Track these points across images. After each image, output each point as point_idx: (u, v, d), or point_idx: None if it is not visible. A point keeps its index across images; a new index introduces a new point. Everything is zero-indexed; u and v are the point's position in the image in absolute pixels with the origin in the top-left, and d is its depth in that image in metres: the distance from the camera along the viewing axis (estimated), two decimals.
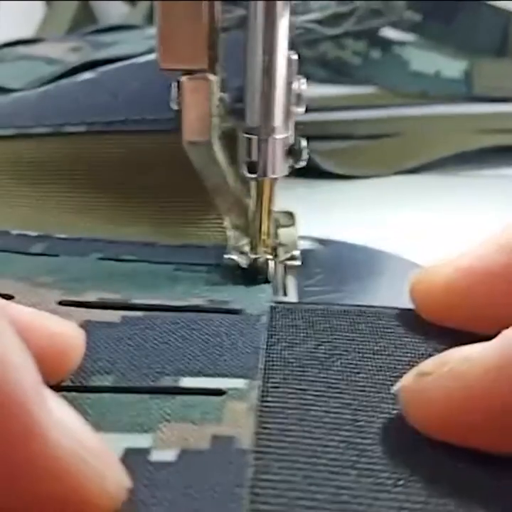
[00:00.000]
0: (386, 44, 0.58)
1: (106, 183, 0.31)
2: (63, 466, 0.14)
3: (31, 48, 0.48)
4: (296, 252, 0.26)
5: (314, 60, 0.57)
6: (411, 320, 0.23)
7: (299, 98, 0.24)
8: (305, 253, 0.27)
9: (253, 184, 0.24)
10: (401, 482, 0.16)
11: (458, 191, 0.39)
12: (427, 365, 0.17)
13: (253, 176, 0.24)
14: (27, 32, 0.62)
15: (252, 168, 0.24)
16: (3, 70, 0.43)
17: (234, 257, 0.25)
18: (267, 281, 0.25)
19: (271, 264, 0.25)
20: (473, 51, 0.58)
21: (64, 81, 0.37)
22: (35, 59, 0.44)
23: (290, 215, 0.28)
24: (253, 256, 0.25)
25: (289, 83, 0.23)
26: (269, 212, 0.25)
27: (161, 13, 0.22)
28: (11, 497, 0.13)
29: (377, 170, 0.42)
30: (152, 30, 0.22)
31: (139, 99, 0.31)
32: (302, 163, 0.24)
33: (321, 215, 0.33)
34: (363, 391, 0.19)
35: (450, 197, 0.38)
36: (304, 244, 0.28)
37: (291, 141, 0.24)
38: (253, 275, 0.25)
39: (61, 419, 0.14)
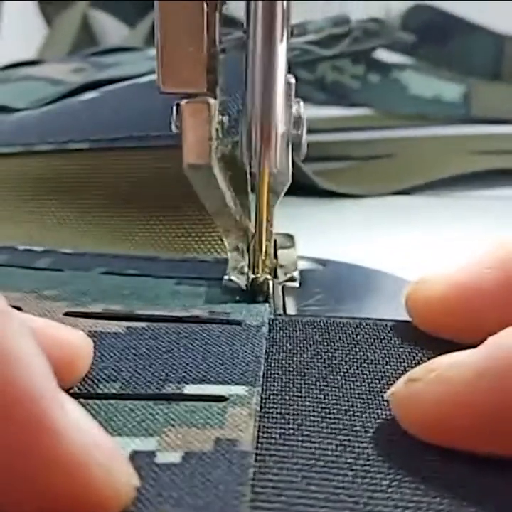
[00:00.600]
0: (384, 68, 0.58)
1: (109, 199, 0.32)
2: (75, 463, 0.14)
3: (34, 69, 0.48)
4: (296, 274, 0.26)
5: (313, 83, 0.57)
6: (407, 331, 0.23)
7: (298, 121, 0.24)
8: (303, 273, 0.27)
9: (253, 206, 0.25)
10: (395, 482, 0.17)
11: (452, 212, 0.39)
12: (416, 371, 0.18)
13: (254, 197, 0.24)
14: (28, 53, 0.63)
15: (254, 188, 0.24)
16: (7, 90, 0.44)
17: (233, 278, 0.25)
18: (266, 301, 0.25)
19: (270, 284, 0.25)
20: (470, 74, 0.58)
21: (67, 100, 0.38)
22: (39, 80, 0.44)
23: (289, 237, 0.28)
24: (253, 276, 0.25)
25: (287, 106, 0.24)
26: (269, 232, 0.25)
27: (161, 37, 0.22)
28: (23, 492, 0.14)
29: (374, 189, 0.42)
30: (153, 52, 0.23)
31: (142, 117, 0.32)
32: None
33: (317, 234, 0.34)
34: (360, 398, 0.20)
35: (444, 217, 0.38)
36: (303, 265, 0.28)
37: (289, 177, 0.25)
38: (253, 296, 0.25)
39: (74, 419, 0.15)
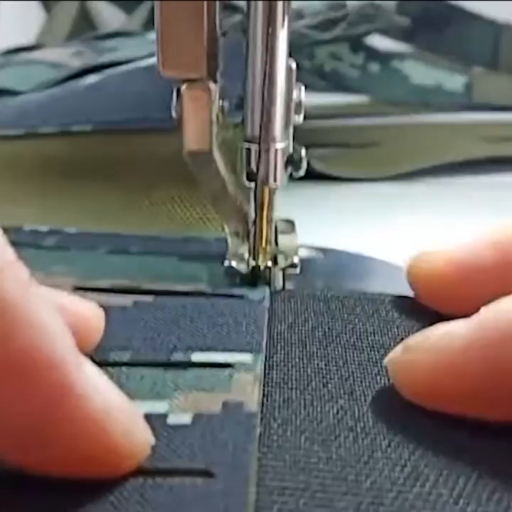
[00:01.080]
0: (384, 58, 0.58)
1: (111, 180, 0.32)
2: (97, 424, 0.15)
3: (34, 54, 0.49)
4: (296, 260, 0.26)
5: (311, 71, 0.57)
6: (406, 305, 0.24)
7: (299, 106, 0.24)
8: (303, 262, 0.27)
9: (253, 192, 0.25)
10: (393, 443, 0.18)
11: (452, 199, 0.39)
12: (412, 339, 0.19)
13: (253, 184, 0.24)
14: (26, 39, 0.62)
15: (251, 177, 0.24)
16: (9, 73, 0.44)
17: (234, 264, 0.25)
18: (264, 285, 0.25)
19: (271, 271, 0.25)
20: (467, 63, 0.58)
21: (70, 83, 0.38)
22: (39, 63, 0.45)
23: (290, 222, 0.28)
24: (253, 263, 0.25)
25: (288, 91, 0.23)
26: (269, 219, 0.25)
27: (160, 21, 0.22)
28: (47, 452, 0.15)
29: (372, 173, 0.42)
30: (153, 35, 0.22)
31: (144, 100, 0.33)
32: (301, 173, 0.25)
33: (317, 221, 0.34)
34: (360, 366, 0.21)
35: (444, 205, 0.38)
36: (303, 253, 0.28)
37: (290, 150, 0.25)
38: (253, 282, 0.25)
39: (95, 382, 0.16)
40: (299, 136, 0.25)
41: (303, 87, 0.24)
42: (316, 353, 0.21)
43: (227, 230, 0.26)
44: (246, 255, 0.26)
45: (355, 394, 0.20)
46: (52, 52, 0.48)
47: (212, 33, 0.23)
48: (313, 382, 0.20)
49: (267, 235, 0.25)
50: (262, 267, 0.25)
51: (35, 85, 0.41)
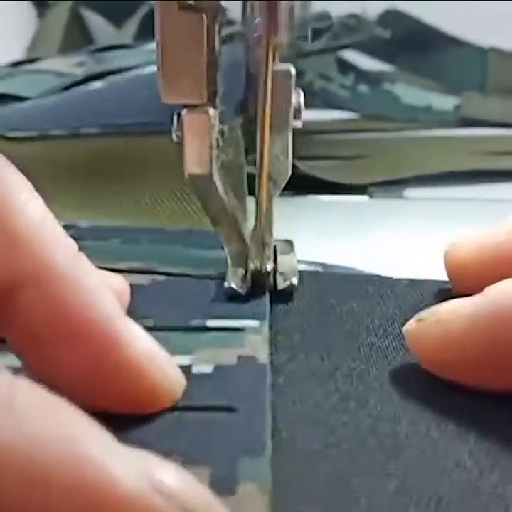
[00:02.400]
0: (374, 80, 0.59)
1: (118, 179, 0.35)
2: (141, 367, 0.18)
3: (39, 64, 0.51)
4: (295, 281, 0.26)
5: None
6: (426, 287, 0.27)
7: (298, 111, 0.24)
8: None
9: (254, 203, 0.25)
10: (402, 398, 0.20)
11: (441, 215, 0.39)
12: (424, 312, 0.21)
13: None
14: (20, 44, 0.63)
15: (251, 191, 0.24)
16: (16, 81, 0.47)
17: (233, 285, 0.26)
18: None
19: (271, 275, 0.26)
20: (456, 87, 0.59)
21: (76, 89, 0.41)
22: (45, 72, 0.48)
23: (289, 243, 0.29)
24: (253, 267, 0.26)
25: (287, 96, 0.24)
26: (269, 222, 0.26)
27: (161, 47, 0.23)
28: (100, 391, 0.17)
29: (362, 179, 0.43)
30: (151, 46, 0.23)
31: (148, 105, 0.34)
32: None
33: (311, 238, 0.34)
34: (368, 335, 0.24)
35: (432, 220, 0.39)
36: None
37: (289, 169, 0.25)
38: (253, 286, 0.26)
39: (137, 333, 0.19)
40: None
41: (302, 93, 0.24)
42: (323, 323, 0.24)
43: (226, 251, 0.27)
44: (248, 276, 0.26)
45: (363, 350, 0.23)
46: (56, 62, 0.51)
47: (212, 57, 0.23)
48: (319, 346, 0.23)
49: (266, 238, 0.26)
50: (262, 273, 0.26)
51: (42, 91, 0.43)
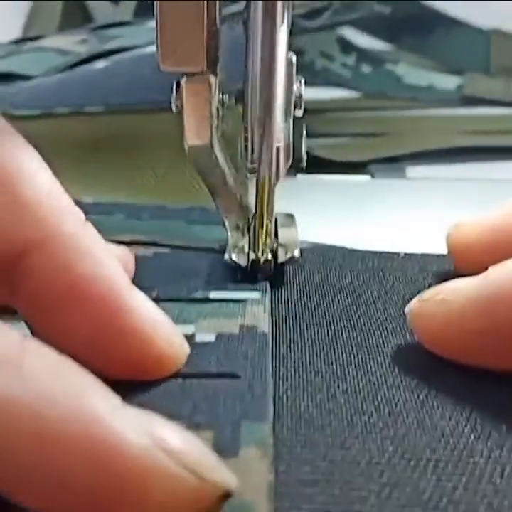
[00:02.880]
0: (376, 60, 0.59)
1: (122, 155, 0.36)
2: (145, 333, 0.18)
3: (40, 42, 0.51)
4: (296, 253, 0.26)
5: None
6: (425, 261, 0.27)
7: (299, 99, 0.24)
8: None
9: (253, 184, 0.25)
10: (401, 367, 0.21)
11: (444, 195, 0.39)
12: (426, 293, 0.21)
13: (253, 177, 0.24)
14: (16, 22, 0.63)
15: (252, 171, 0.24)
16: (20, 59, 0.47)
17: (234, 257, 0.25)
18: (266, 279, 0.25)
19: (271, 265, 0.25)
20: (459, 68, 0.59)
21: (80, 68, 0.42)
22: (48, 50, 0.48)
23: (290, 216, 0.28)
24: (253, 257, 0.25)
25: (289, 85, 0.23)
26: (270, 211, 0.25)
27: (160, 14, 0.22)
28: (104, 358, 0.17)
29: (362, 156, 0.43)
30: (152, 24, 0.23)
31: (152, 83, 0.35)
32: (302, 165, 0.25)
33: (311, 218, 0.33)
34: (367, 307, 0.24)
35: (434, 200, 0.38)
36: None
37: (291, 145, 0.25)
38: (253, 276, 0.25)
39: (143, 301, 0.19)
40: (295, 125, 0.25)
41: (303, 81, 0.24)
42: (325, 295, 0.25)
43: (227, 223, 0.26)
44: (246, 248, 0.26)
45: (366, 326, 0.23)
46: (59, 40, 0.51)
47: (212, 25, 0.23)
48: (319, 317, 0.23)
49: (267, 228, 0.25)
50: (261, 261, 0.25)
51: (47, 70, 0.44)
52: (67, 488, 0.14)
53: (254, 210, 0.25)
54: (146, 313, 0.19)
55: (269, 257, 0.25)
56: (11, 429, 0.14)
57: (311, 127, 0.44)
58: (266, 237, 0.25)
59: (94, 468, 0.14)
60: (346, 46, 0.59)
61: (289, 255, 0.25)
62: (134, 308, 0.19)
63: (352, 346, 0.22)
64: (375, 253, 0.28)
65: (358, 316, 0.24)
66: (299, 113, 0.24)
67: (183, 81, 0.23)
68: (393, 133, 0.48)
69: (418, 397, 0.19)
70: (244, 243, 0.26)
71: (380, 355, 0.21)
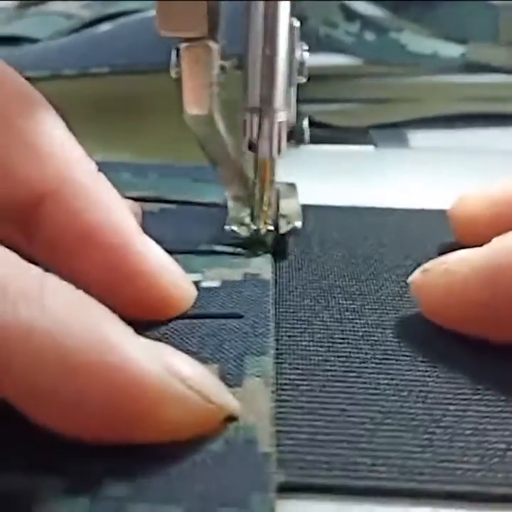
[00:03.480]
0: (381, 28, 0.58)
1: (127, 115, 0.36)
2: (152, 275, 0.20)
3: (46, 6, 0.53)
4: (298, 224, 0.25)
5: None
6: (422, 216, 0.28)
7: (301, 66, 0.23)
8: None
9: (254, 157, 0.24)
10: (395, 310, 0.22)
11: (447, 165, 0.39)
12: (429, 263, 0.21)
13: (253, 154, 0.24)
14: None
15: (252, 147, 0.24)
16: (25, 23, 0.49)
17: (235, 228, 0.25)
18: (267, 252, 0.25)
19: (272, 236, 0.25)
20: (466, 39, 0.58)
21: (85, 31, 0.44)
22: (53, 14, 0.50)
23: (292, 186, 0.28)
24: (254, 228, 0.25)
25: (291, 51, 0.23)
26: (271, 183, 0.25)
27: None
28: (114, 301, 0.17)
29: (363, 122, 0.43)
30: None
31: (156, 44, 0.35)
32: (305, 142, 0.24)
33: (313, 186, 0.33)
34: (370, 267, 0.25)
35: (437, 170, 0.38)
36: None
37: (293, 120, 0.24)
38: (254, 247, 0.25)
39: (150, 245, 0.20)
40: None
41: (306, 47, 0.23)
42: (315, 248, 0.26)
43: (227, 194, 0.26)
44: (247, 219, 0.25)
45: (356, 276, 0.24)
46: (63, 4, 0.53)
47: None
48: (318, 268, 0.25)
49: (268, 198, 0.25)
50: (262, 231, 0.25)
51: (52, 33, 0.45)
52: (86, 410, 0.15)
53: (255, 180, 0.25)
54: (155, 257, 0.20)
55: (271, 227, 0.25)
56: (33, 357, 0.15)
57: (312, 93, 0.44)
58: (267, 208, 0.25)
59: (110, 392, 0.15)
60: (350, 14, 0.58)
61: (290, 226, 0.25)
62: (144, 253, 0.20)
63: (349, 294, 0.23)
64: (374, 209, 0.29)
65: (356, 267, 0.25)
66: (302, 80, 0.24)
67: (182, 47, 0.23)
68: (395, 99, 0.47)
69: (412, 337, 0.21)
70: (246, 214, 0.25)
71: (375, 302, 0.23)
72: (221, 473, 0.15)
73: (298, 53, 0.23)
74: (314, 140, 0.40)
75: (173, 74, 0.23)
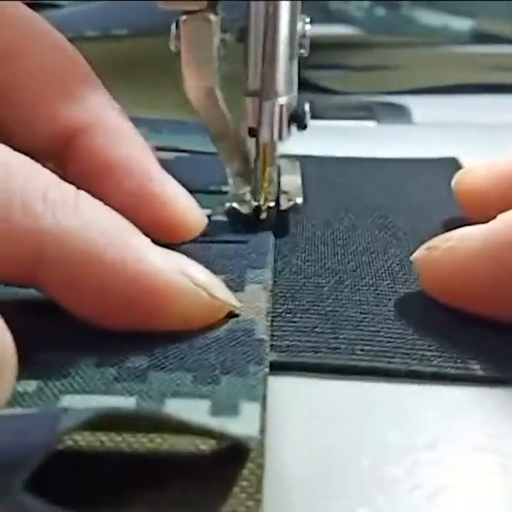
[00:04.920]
0: (393, 5, 0.58)
1: (144, 77, 0.39)
2: (170, 205, 0.22)
3: None
4: (299, 201, 0.25)
5: (314, 8, 0.56)
6: (417, 165, 0.31)
7: (303, 39, 0.23)
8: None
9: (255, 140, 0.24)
10: (386, 238, 0.24)
11: (450, 140, 0.38)
12: (434, 240, 0.21)
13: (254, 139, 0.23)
14: None
15: (253, 132, 0.23)
16: None
17: (235, 205, 0.25)
18: (269, 229, 0.25)
19: (273, 212, 0.24)
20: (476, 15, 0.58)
21: None
22: None
23: (293, 162, 0.28)
24: (255, 204, 0.25)
25: (292, 24, 0.22)
26: (272, 158, 0.24)
27: None
28: (136, 224, 0.19)
29: (366, 88, 0.43)
30: None
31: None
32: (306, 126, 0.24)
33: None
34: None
35: (440, 145, 0.37)
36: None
37: (295, 103, 0.24)
38: (256, 223, 0.25)
39: (168, 178, 0.23)
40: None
41: (308, 19, 0.23)
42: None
43: (228, 170, 0.25)
44: (247, 197, 0.25)
45: (350, 217, 0.26)
46: None
47: None
48: (316, 210, 0.26)
49: (269, 175, 0.24)
50: (264, 208, 0.25)
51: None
52: (109, 300, 0.18)
53: (256, 158, 0.24)
54: (172, 187, 0.23)
55: (272, 204, 0.25)
56: (66, 253, 0.17)
57: (318, 60, 0.44)
58: (268, 184, 0.24)
59: (130, 285, 0.18)
60: None
61: (291, 203, 0.25)
62: (163, 182, 0.22)
63: (344, 225, 0.25)
64: (370, 159, 0.32)
65: (349, 205, 0.27)
66: (305, 53, 0.23)
67: (182, 20, 0.22)
68: (402, 67, 0.48)
69: (403, 269, 0.23)
70: (247, 191, 0.25)
71: (365, 232, 0.25)
72: (224, 351, 0.18)
73: (300, 25, 0.23)
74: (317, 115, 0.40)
75: (172, 47, 0.23)
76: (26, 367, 0.15)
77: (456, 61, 0.50)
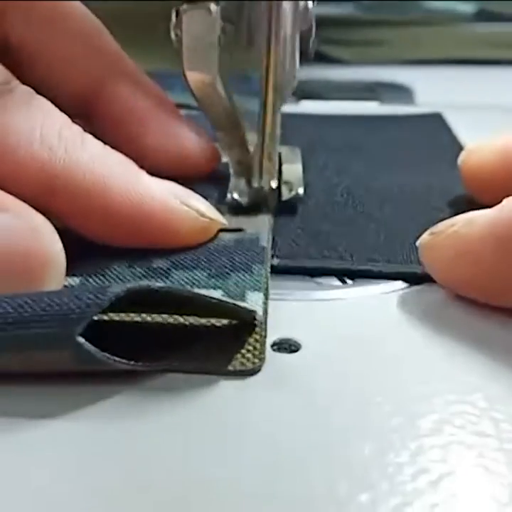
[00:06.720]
0: None
1: (143, 32, 0.39)
2: (191, 140, 0.25)
3: None
4: (301, 191, 0.25)
5: None
6: (415, 121, 0.36)
7: (306, 14, 0.23)
8: None
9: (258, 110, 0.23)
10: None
11: (454, 121, 0.38)
12: (438, 225, 0.20)
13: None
14: None
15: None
16: None
17: (235, 196, 0.24)
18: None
19: (274, 195, 0.24)
20: None
21: None
22: None
23: (295, 150, 0.27)
24: (257, 185, 0.24)
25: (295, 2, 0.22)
26: (274, 137, 0.24)
27: None
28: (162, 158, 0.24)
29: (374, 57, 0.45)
30: None
31: None
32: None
33: None
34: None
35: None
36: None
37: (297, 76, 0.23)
38: (256, 205, 0.24)
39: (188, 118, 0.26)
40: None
41: None
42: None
43: (229, 160, 0.25)
44: (247, 187, 0.25)
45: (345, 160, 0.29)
46: None
47: None
48: (314, 159, 0.29)
49: (271, 152, 0.24)
50: (266, 189, 0.24)
51: None
52: (115, 221, 0.20)
53: (258, 138, 0.24)
54: (193, 127, 0.26)
55: (274, 185, 0.24)
56: (77, 180, 0.20)
57: (324, 34, 0.44)
58: (270, 163, 0.24)
59: (132, 208, 0.20)
60: None
61: (293, 193, 0.25)
62: (183, 125, 0.25)
63: (339, 168, 0.29)
64: (366, 117, 0.35)
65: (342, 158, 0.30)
66: (305, 28, 0.23)
67: (182, 8, 0.22)
68: (405, 40, 0.48)
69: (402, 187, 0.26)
70: (246, 182, 0.25)
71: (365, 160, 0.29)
72: (231, 254, 0.21)
73: (301, 4, 0.22)
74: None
75: (173, 36, 0.22)
76: (69, 266, 0.18)
77: (460, 37, 0.50)
